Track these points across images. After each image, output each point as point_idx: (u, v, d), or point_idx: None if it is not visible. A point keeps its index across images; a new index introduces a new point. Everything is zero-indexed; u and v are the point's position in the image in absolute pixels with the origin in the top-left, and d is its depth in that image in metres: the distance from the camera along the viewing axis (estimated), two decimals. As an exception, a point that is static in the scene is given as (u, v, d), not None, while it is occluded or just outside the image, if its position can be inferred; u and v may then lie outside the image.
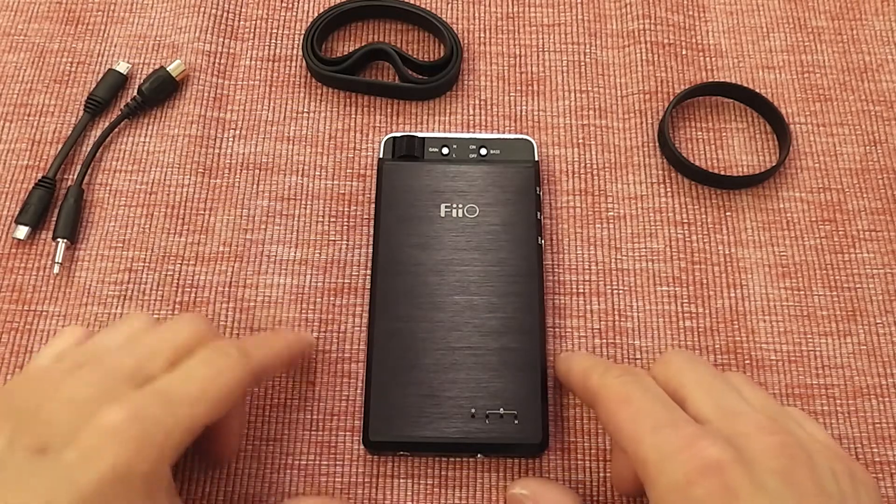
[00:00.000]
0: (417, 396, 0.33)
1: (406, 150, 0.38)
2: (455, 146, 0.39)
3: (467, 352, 0.34)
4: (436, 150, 0.39)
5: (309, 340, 0.35)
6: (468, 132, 0.41)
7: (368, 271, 0.37)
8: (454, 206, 0.37)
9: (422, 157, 0.38)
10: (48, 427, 0.25)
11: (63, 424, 0.25)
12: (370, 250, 0.37)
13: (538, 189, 0.38)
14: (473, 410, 0.33)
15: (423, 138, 0.39)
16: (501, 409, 0.33)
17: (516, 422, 0.32)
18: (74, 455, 0.24)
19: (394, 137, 0.39)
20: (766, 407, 0.28)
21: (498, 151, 0.39)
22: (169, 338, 0.29)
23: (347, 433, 0.34)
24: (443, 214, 0.37)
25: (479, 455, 0.33)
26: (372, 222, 0.38)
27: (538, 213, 0.37)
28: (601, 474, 0.33)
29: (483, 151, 0.39)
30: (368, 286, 0.36)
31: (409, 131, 0.41)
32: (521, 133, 0.41)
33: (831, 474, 0.25)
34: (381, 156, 0.39)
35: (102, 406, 0.25)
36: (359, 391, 0.35)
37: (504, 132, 0.41)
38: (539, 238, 0.36)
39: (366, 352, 0.35)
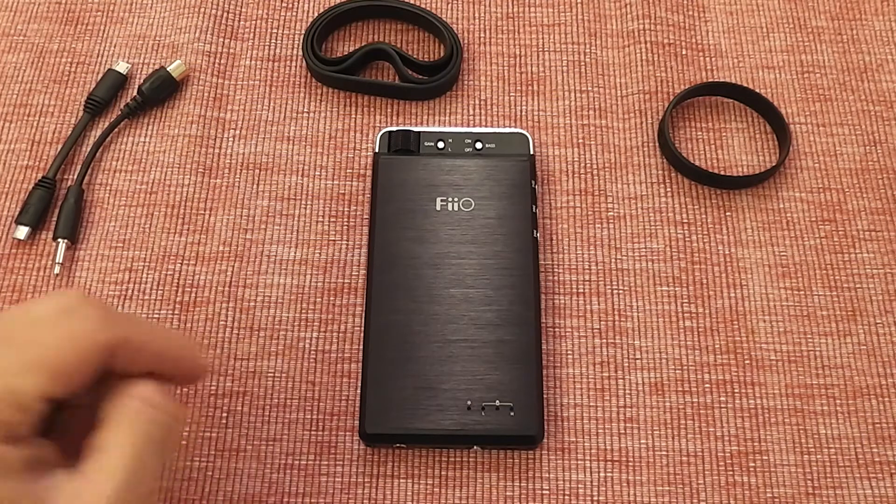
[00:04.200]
0: (413, 389, 0.33)
1: (402, 145, 0.38)
2: (450, 140, 0.39)
3: (463, 344, 0.34)
4: (431, 144, 0.39)
5: (199, 361, 0.28)
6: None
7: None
8: (450, 199, 0.37)
9: (417, 151, 0.38)
10: None
11: None
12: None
13: (533, 182, 0.38)
14: (469, 402, 0.33)
15: (419, 132, 0.39)
16: (497, 401, 0.33)
17: (512, 413, 0.32)
18: None
19: (389, 132, 0.39)
20: None
21: (493, 145, 0.39)
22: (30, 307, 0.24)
23: (347, 433, 0.34)
24: (438, 208, 0.37)
25: (475, 447, 0.33)
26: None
27: (533, 207, 0.37)
28: (601, 474, 0.33)
29: (478, 145, 0.39)
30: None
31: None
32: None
33: None
34: (376, 150, 0.39)
35: None
36: (358, 390, 0.35)
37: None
38: (534, 231, 0.36)
39: (362, 345, 0.35)
